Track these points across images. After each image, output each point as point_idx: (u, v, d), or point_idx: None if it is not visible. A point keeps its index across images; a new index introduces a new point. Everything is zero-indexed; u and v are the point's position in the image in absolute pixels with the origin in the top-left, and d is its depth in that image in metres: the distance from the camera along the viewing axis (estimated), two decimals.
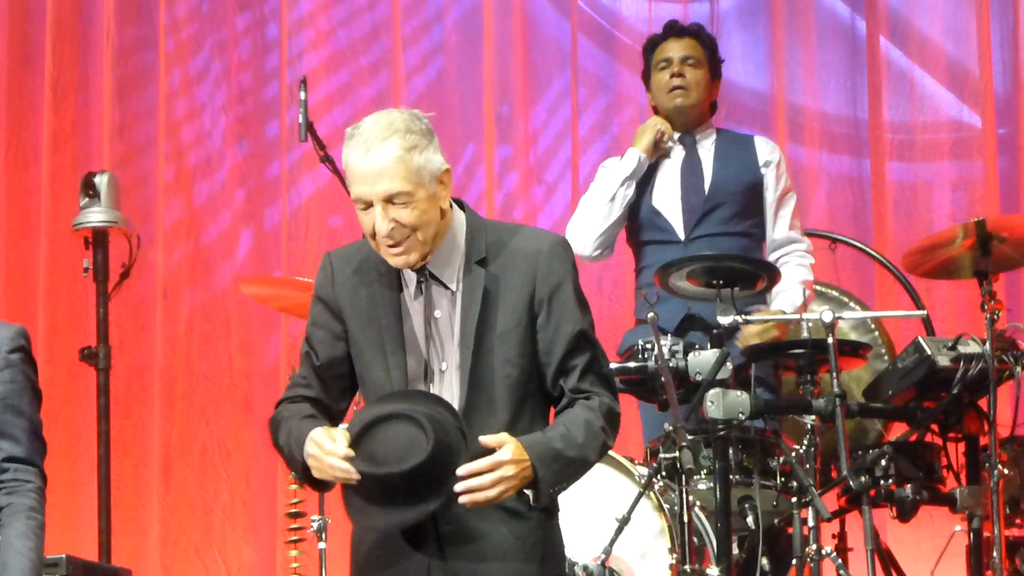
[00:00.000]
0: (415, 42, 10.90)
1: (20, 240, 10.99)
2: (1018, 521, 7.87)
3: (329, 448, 5.24)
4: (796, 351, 7.78)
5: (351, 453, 5.20)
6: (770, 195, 8.56)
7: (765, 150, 8.58)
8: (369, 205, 5.35)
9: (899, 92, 10.33)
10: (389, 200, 5.32)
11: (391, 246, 5.40)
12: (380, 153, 5.33)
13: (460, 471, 5.15)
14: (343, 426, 5.45)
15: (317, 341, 5.77)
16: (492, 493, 5.21)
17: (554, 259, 5.61)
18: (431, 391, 5.55)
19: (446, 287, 5.62)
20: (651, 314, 7.66)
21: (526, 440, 5.34)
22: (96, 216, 8.82)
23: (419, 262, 5.47)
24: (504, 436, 5.29)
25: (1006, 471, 7.71)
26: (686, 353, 7.53)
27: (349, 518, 5.52)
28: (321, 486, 5.70)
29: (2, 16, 11.30)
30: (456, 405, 5.45)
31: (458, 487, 5.16)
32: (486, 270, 5.61)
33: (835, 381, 7.61)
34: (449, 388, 5.59)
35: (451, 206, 5.58)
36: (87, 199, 8.86)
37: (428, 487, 5.18)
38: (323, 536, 7.15)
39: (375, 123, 5.44)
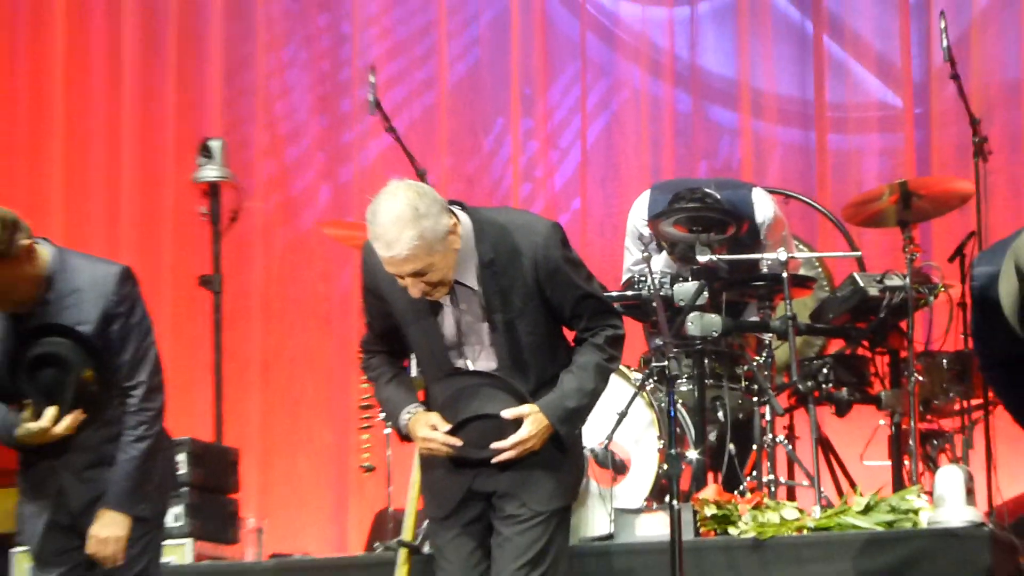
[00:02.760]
0: (457, 36, 10.93)
1: (152, 191, 11.04)
2: (929, 417, 7.90)
3: (442, 439, 5.62)
4: (758, 283, 7.84)
5: (459, 442, 5.60)
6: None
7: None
8: (404, 277, 5.44)
9: (837, 79, 10.34)
10: (416, 274, 5.42)
11: (425, 294, 5.53)
12: (399, 247, 5.34)
13: (496, 446, 5.59)
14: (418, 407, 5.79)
15: (372, 318, 6.01)
16: (519, 455, 5.63)
17: (548, 247, 5.72)
18: (468, 365, 5.77)
19: (468, 287, 5.72)
20: (646, 254, 7.79)
21: (546, 405, 5.65)
22: (211, 173, 8.91)
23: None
24: (525, 409, 5.63)
25: (920, 378, 7.77)
26: (672, 284, 7.60)
27: None
28: (409, 440, 5.96)
29: (136, 15, 11.32)
30: (495, 369, 5.71)
31: (493, 460, 5.61)
32: (496, 269, 5.72)
33: (788, 306, 7.71)
34: (486, 361, 5.77)
35: (457, 219, 5.60)
36: (203, 159, 8.94)
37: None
38: (388, 423, 7.18)
39: (390, 217, 5.43)
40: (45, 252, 6.19)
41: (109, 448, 6.24)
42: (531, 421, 5.68)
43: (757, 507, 7.18)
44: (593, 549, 7.00)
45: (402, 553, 6.84)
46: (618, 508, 7.23)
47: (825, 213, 8.83)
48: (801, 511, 7.21)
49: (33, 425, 6.08)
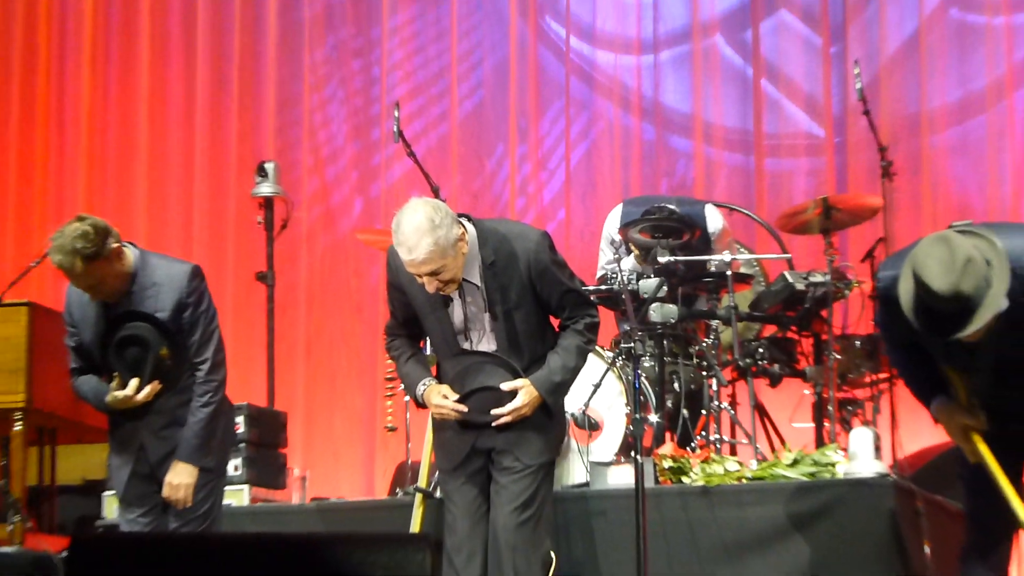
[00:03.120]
0: (465, 79, 10.91)
1: (218, 203, 11.02)
2: (844, 388, 7.89)
3: (451, 406, 5.82)
4: (707, 279, 7.82)
5: (464, 409, 5.79)
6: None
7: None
8: (421, 276, 5.58)
9: (772, 113, 10.31)
10: (431, 274, 5.58)
11: (438, 289, 5.70)
12: (418, 252, 5.51)
13: (496, 412, 5.77)
14: (431, 380, 5.97)
15: (395, 308, 6.14)
16: (514, 419, 5.82)
17: (539, 252, 5.90)
18: (473, 346, 5.96)
19: (475, 285, 5.86)
20: (617, 256, 7.80)
21: (536, 379, 5.87)
22: (266, 189, 8.88)
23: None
24: (520, 382, 5.83)
25: (838, 356, 7.77)
26: (638, 280, 7.60)
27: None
28: (424, 407, 6.13)
29: (207, 59, 11.29)
30: (495, 350, 5.89)
31: (494, 424, 5.79)
32: (496, 269, 5.85)
33: (731, 298, 7.72)
34: (487, 343, 5.98)
35: (465, 229, 5.77)
36: (260, 178, 8.93)
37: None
38: (407, 393, 7.18)
39: (410, 228, 5.57)
40: (130, 253, 6.30)
41: (181, 412, 6.34)
42: (524, 392, 5.83)
43: (705, 461, 7.20)
44: (573, 494, 7.00)
45: (418, 497, 6.86)
46: (593, 461, 7.23)
47: (762, 223, 8.81)
48: (741, 464, 7.23)
49: (120, 393, 6.19)
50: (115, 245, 6.12)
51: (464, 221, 5.85)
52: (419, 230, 5.56)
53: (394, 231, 5.69)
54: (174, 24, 11.40)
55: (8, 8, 11.61)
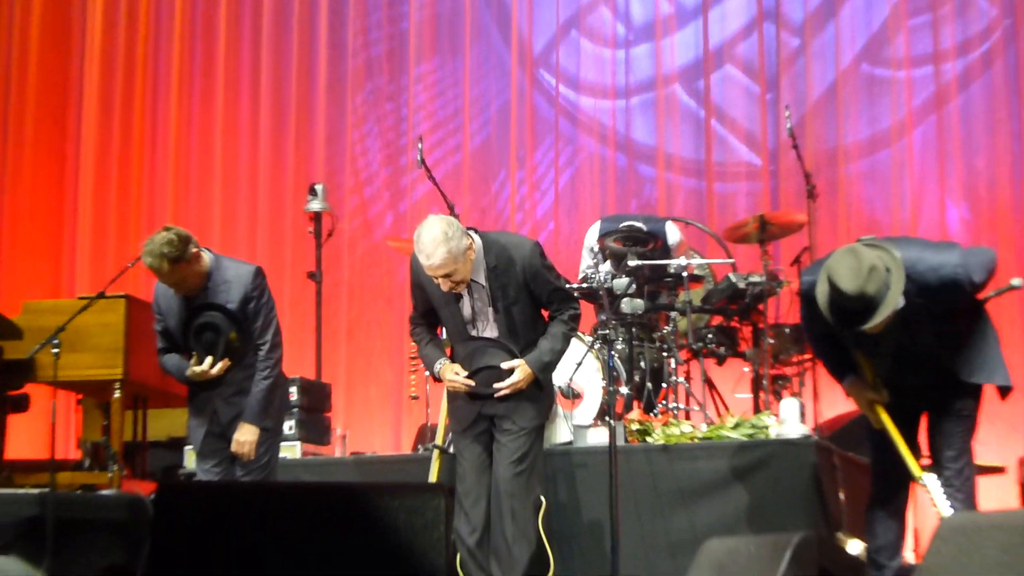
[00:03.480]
0: (475, 119, 10.90)
1: (277, 216, 10.99)
2: (777, 366, 7.88)
3: (462, 381, 5.94)
4: (667, 279, 7.82)
5: (472, 383, 5.91)
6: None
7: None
8: (437, 278, 5.67)
9: (720, 147, 10.32)
10: (446, 276, 5.67)
11: (451, 288, 5.78)
12: (435, 258, 5.60)
13: (498, 387, 5.88)
14: (446, 360, 6.10)
15: (416, 302, 6.22)
16: (512, 392, 5.91)
17: (532, 258, 5.99)
18: (481, 334, 6.02)
19: (480, 284, 5.93)
20: (595, 260, 7.83)
21: (530, 359, 5.95)
22: (316, 205, 8.83)
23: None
24: (517, 362, 5.92)
25: (771, 341, 7.76)
26: (612, 280, 7.60)
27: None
28: (440, 381, 6.24)
29: (269, 99, 11.30)
30: (496, 336, 5.98)
31: (496, 395, 5.89)
32: (498, 272, 5.92)
33: (687, 294, 7.71)
34: (491, 331, 6.03)
35: (473, 240, 5.84)
36: (311, 196, 8.89)
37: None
38: (427, 370, 7.18)
39: (429, 239, 5.64)
40: (206, 256, 6.35)
41: (246, 383, 6.40)
42: (520, 370, 5.92)
43: (665, 424, 7.22)
44: (559, 451, 6.98)
45: (435, 453, 6.84)
46: (576, 424, 7.22)
47: (711, 234, 8.79)
48: (693, 427, 7.23)
49: (197, 369, 6.27)
50: (194, 250, 6.20)
51: (472, 233, 5.89)
52: (435, 241, 5.62)
53: (415, 241, 5.76)
54: (244, 71, 11.39)
55: (111, 56, 11.61)
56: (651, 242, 7.91)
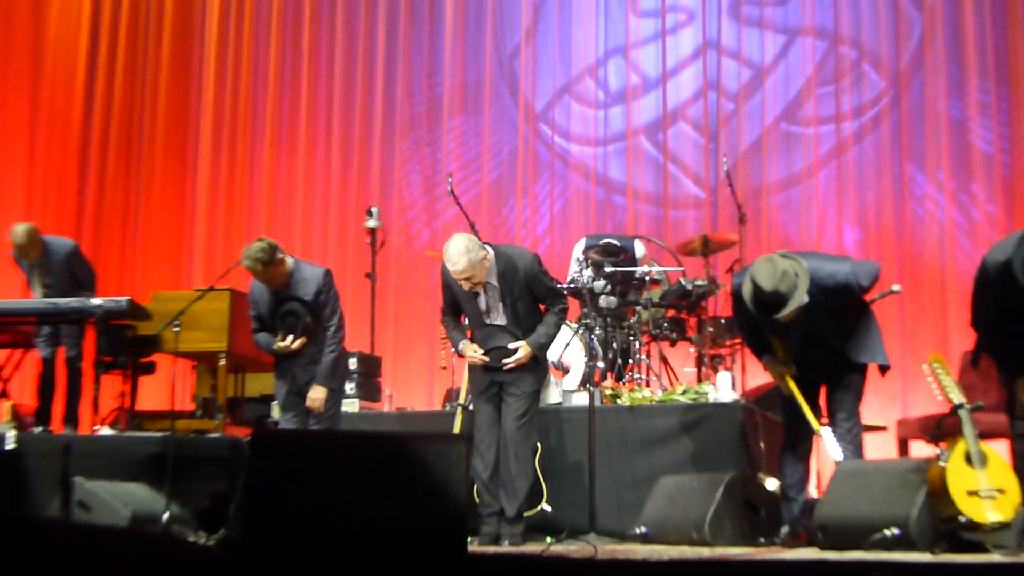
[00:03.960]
0: (491, 160, 10.89)
1: (342, 230, 10.96)
2: (715, 348, 7.82)
3: (479, 357, 6.01)
4: (635, 282, 7.80)
5: (486, 358, 6.00)
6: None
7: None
8: (460, 280, 5.73)
9: (674, 184, 10.30)
10: (467, 279, 5.75)
11: (471, 288, 5.84)
12: (458, 265, 5.70)
13: (506, 362, 5.94)
14: (467, 341, 6.13)
15: (445, 298, 6.22)
16: (517, 365, 5.95)
17: (531, 266, 6.02)
18: (493, 322, 6.02)
19: (493, 284, 5.95)
20: (580, 268, 7.80)
21: (530, 341, 5.98)
22: (371, 223, 8.74)
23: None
24: (521, 343, 5.96)
25: (710, 329, 7.74)
26: (592, 282, 7.58)
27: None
28: (462, 356, 6.28)
29: (338, 144, 11.31)
30: (505, 324, 5.96)
31: (504, 368, 5.95)
32: (506, 276, 5.96)
33: (648, 293, 7.71)
34: (501, 319, 6.02)
35: (487, 252, 5.86)
36: (368, 216, 8.82)
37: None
38: (453, 348, 7.17)
39: (454, 251, 5.72)
40: (289, 260, 6.44)
41: (318, 355, 6.44)
42: (522, 349, 5.97)
43: (631, 390, 7.18)
44: (551, 409, 6.95)
45: (459, 410, 6.80)
46: (564, 390, 7.20)
47: (667, 249, 8.75)
48: (652, 393, 7.21)
49: (281, 344, 6.36)
50: (280, 256, 6.29)
51: (487, 246, 5.92)
52: (459, 252, 5.68)
53: (444, 252, 5.86)
54: (320, 120, 11.39)
55: (220, 103, 11.64)
56: (622, 254, 7.92)
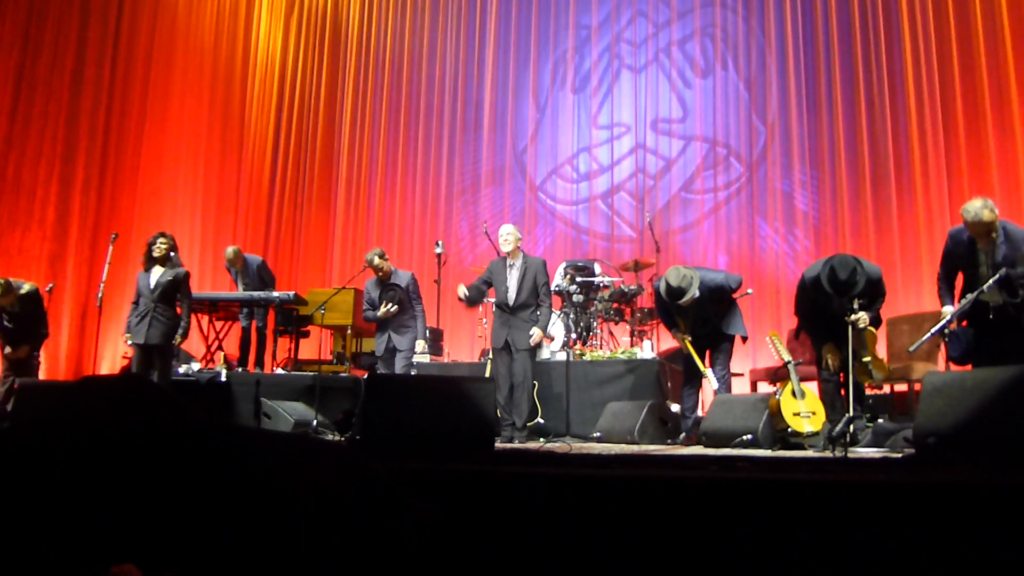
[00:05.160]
0: (509, 213, 10.71)
1: (421, 253, 10.77)
2: (641, 325, 7.74)
3: (464, 292, 5.86)
4: (594, 287, 7.68)
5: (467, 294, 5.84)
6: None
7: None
8: (504, 241, 5.62)
9: (618, 229, 10.22)
10: (506, 239, 5.72)
11: (512, 257, 5.65)
12: (508, 227, 5.67)
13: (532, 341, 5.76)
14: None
15: (484, 276, 5.97)
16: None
17: (541, 266, 5.83)
18: (511, 297, 5.77)
19: (519, 265, 5.79)
20: (560, 282, 7.69)
21: (538, 324, 5.78)
22: (438, 249, 8.62)
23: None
24: (535, 329, 5.75)
25: (638, 315, 7.64)
26: (569, 286, 7.50)
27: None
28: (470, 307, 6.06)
29: (419, 198, 11.10)
30: (517, 299, 5.74)
31: (532, 343, 5.77)
32: (525, 267, 5.79)
33: (602, 294, 7.60)
34: (516, 297, 5.76)
35: (520, 244, 5.85)
36: (436, 245, 8.68)
37: None
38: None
39: (508, 235, 5.66)
40: (390, 265, 6.40)
41: (408, 321, 6.29)
42: (536, 333, 5.86)
43: (591, 351, 7.10)
44: (543, 362, 6.83)
45: (488, 362, 6.68)
46: (551, 350, 7.12)
47: (614, 267, 8.63)
48: (604, 353, 7.12)
49: (381, 312, 6.22)
50: (387, 258, 6.38)
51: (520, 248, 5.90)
52: (509, 233, 5.83)
53: (502, 228, 5.89)
54: (410, 183, 11.19)
55: (350, 173, 11.55)
56: (587, 270, 7.80)
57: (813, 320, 5.17)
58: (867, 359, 4.73)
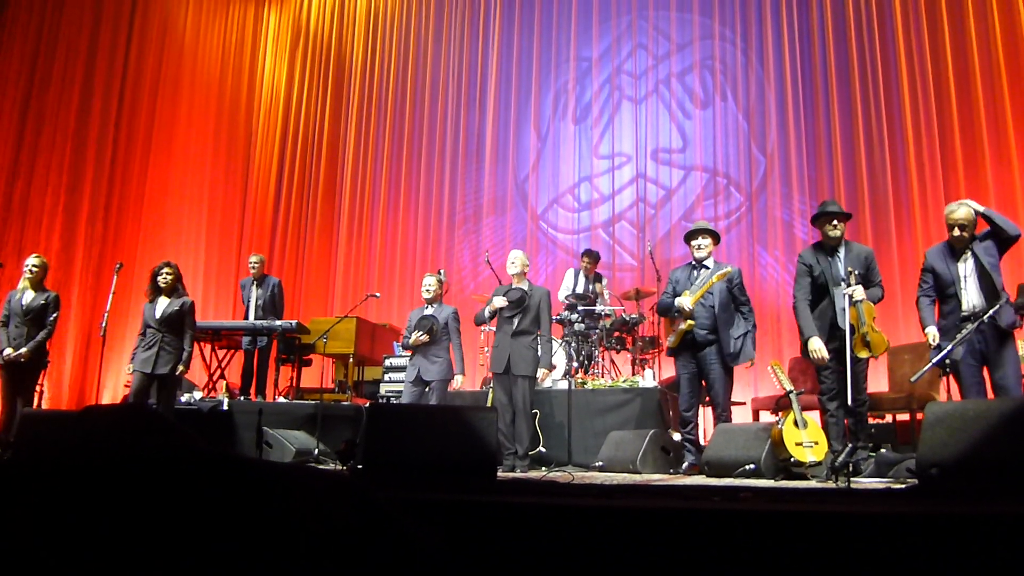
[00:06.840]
0: (511, 244, 10.72)
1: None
2: (643, 355, 7.73)
3: (504, 301, 5.83)
4: (595, 315, 7.71)
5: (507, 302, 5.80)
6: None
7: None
8: (508, 265, 5.63)
9: (619, 257, 10.20)
10: (513, 262, 5.74)
11: (517, 281, 5.67)
12: (512, 263, 5.63)
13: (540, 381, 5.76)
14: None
15: (489, 306, 5.95)
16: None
17: (544, 296, 5.83)
18: (516, 322, 5.81)
19: (524, 291, 5.83)
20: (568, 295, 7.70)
21: (542, 360, 5.85)
22: (441, 277, 8.66)
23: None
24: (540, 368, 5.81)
25: (640, 343, 7.62)
26: (571, 315, 7.49)
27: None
28: (485, 323, 6.03)
29: (421, 227, 11.15)
30: (520, 325, 5.72)
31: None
32: (530, 296, 5.82)
33: (603, 323, 7.56)
34: (516, 323, 5.82)
35: (527, 273, 5.87)
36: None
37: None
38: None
39: (516, 259, 5.69)
40: (441, 291, 6.45)
41: (440, 352, 6.17)
42: (542, 370, 5.90)
43: (593, 379, 7.08)
44: (544, 390, 6.81)
45: (490, 391, 6.67)
46: (553, 378, 7.10)
47: (615, 296, 8.65)
48: (605, 381, 7.10)
49: (412, 340, 6.11)
50: (441, 284, 6.43)
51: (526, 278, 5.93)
52: (517, 260, 5.84)
53: (509, 259, 5.94)
54: (411, 214, 11.25)
55: (352, 208, 11.58)
56: (590, 298, 7.82)
57: (808, 304, 4.94)
58: (865, 331, 4.64)
